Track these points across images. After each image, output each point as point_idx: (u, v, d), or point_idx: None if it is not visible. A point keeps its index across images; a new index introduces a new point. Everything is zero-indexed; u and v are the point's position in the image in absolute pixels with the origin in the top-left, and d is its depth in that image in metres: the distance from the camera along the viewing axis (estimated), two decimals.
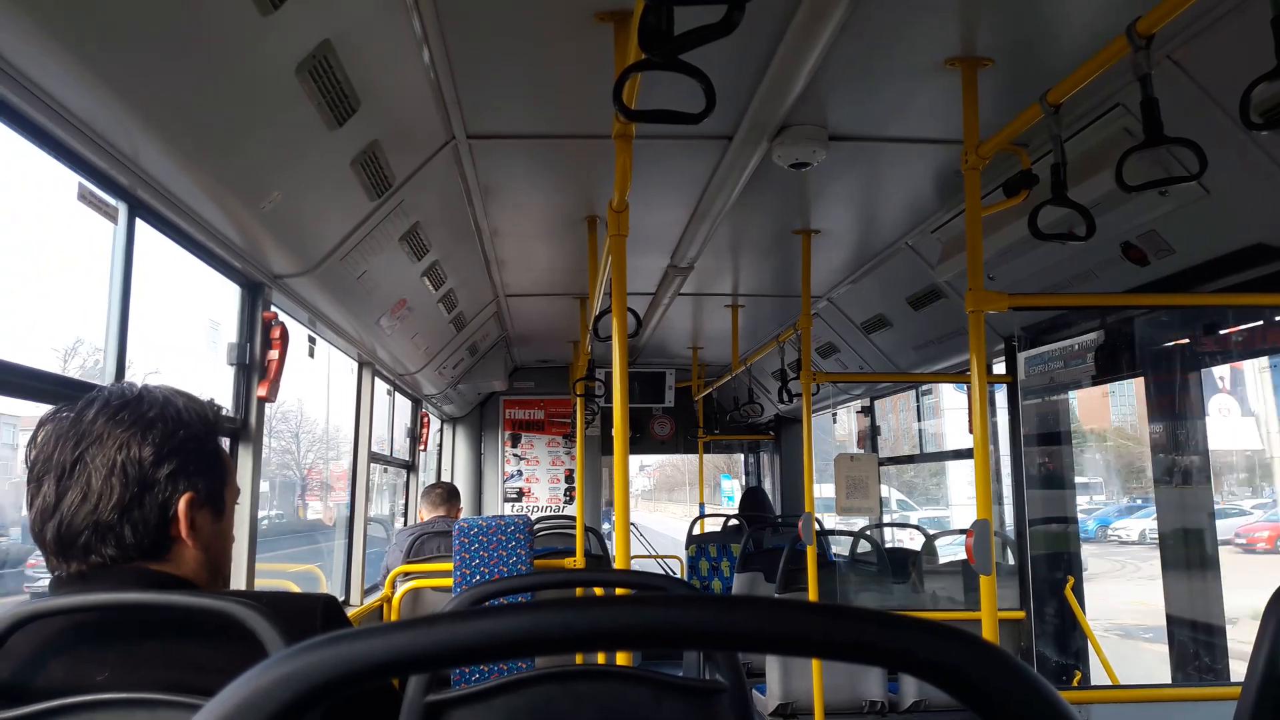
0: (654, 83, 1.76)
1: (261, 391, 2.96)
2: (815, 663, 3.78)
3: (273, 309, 3.05)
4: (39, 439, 1.24)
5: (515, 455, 8.12)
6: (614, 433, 2.60)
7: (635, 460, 9.87)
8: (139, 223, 2.25)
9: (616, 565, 2.46)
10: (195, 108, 1.98)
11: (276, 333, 3.00)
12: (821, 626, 0.47)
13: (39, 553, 1.25)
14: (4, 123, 1.75)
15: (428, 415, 6.63)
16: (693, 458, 8.43)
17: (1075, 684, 3.81)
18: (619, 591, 2.29)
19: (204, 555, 1.30)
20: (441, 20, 2.26)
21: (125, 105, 1.83)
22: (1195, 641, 3.25)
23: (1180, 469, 3.36)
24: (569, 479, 8.10)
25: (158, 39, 1.72)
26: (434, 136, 2.93)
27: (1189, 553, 3.35)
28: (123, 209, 2.19)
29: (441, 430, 7.93)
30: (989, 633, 2.51)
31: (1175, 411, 3.40)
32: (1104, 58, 2.01)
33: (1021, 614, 3.90)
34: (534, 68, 2.58)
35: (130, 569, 1.23)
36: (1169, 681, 3.23)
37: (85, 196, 2.05)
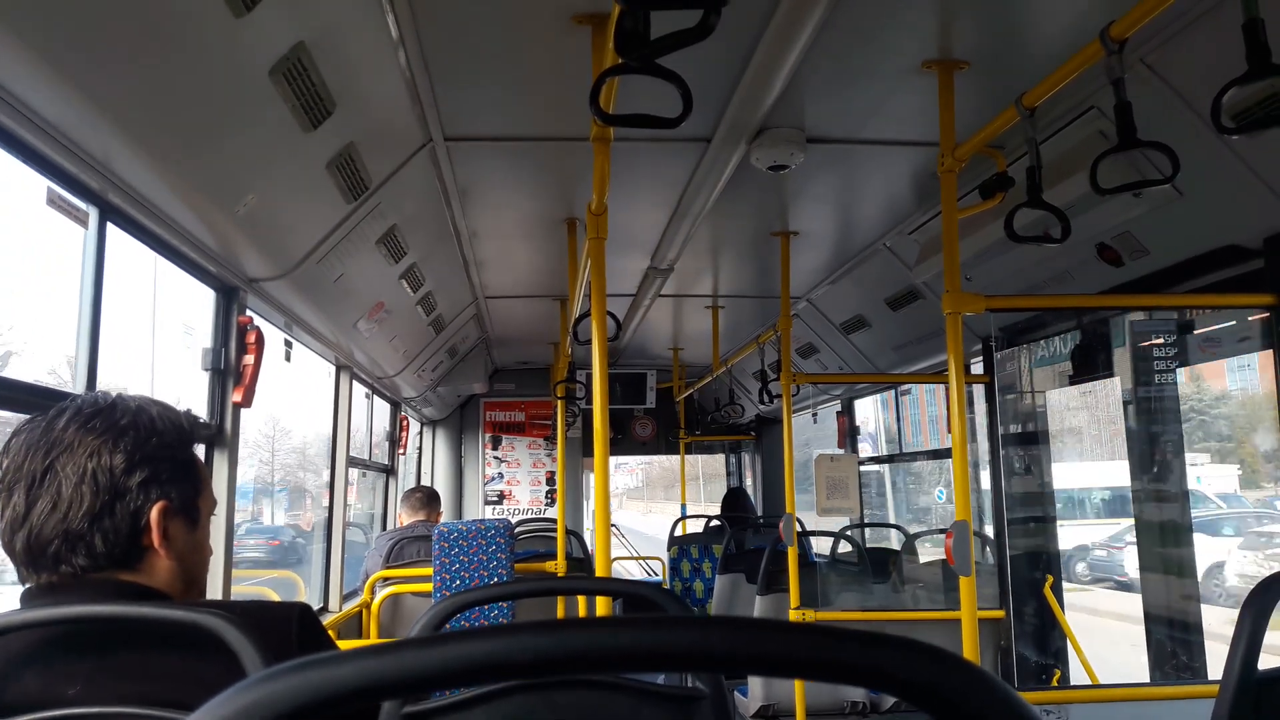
0: (632, 86, 1.75)
1: (237, 397, 2.93)
2: None
3: (248, 313, 3.02)
4: (10, 449, 1.22)
5: (496, 458, 8.09)
6: (594, 437, 2.59)
7: (625, 455, 9.84)
8: (110, 227, 2.22)
9: (597, 570, 2.45)
10: (168, 110, 1.95)
11: (252, 337, 2.98)
12: (797, 646, 0.46)
13: None
14: None
15: (407, 418, 6.59)
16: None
17: (1055, 683, 3.83)
18: (599, 602, 2.30)
19: (178, 565, 1.28)
20: (418, 22, 2.24)
21: (96, 108, 1.80)
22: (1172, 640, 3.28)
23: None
24: (550, 481, 8.07)
25: (129, 41, 1.70)
26: (411, 138, 2.91)
27: None
28: (93, 213, 2.16)
29: (421, 433, 7.89)
30: (968, 632, 2.53)
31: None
32: (1078, 61, 2.03)
33: (1001, 613, 3.92)
34: (512, 70, 2.56)
35: (101, 579, 1.21)
36: (1147, 680, 3.26)
37: (55, 201, 2.02)
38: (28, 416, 1.25)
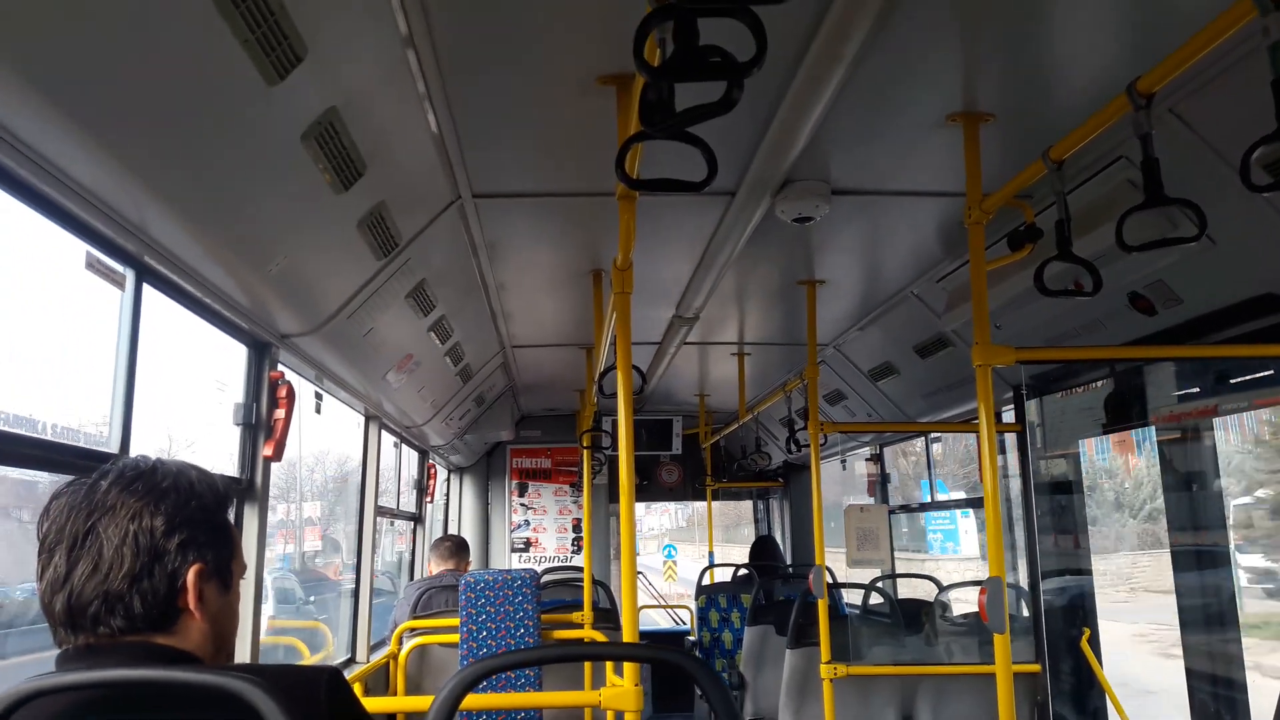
0: (657, 145, 1.77)
1: (268, 451, 2.95)
2: (827, 702, 3.71)
3: (279, 368, 3.05)
4: (52, 511, 1.24)
5: (523, 505, 8.07)
6: (620, 489, 2.58)
7: (651, 502, 9.77)
8: (146, 288, 2.26)
9: (624, 627, 2.42)
10: (202, 175, 1.99)
11: (283, 391, 3.00)
12: None
13: None
14: (12, 195, 1.77)
15: (434, 466, 6.60)
16: None
17: None
18: (626, 665, 2.27)
19: (210, 628, 1.29)
20: (446, 84, 2.28)
21: (133, 175, 1.85)
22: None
23: None
24: (577, 528, 8.03)
25: (165, 109, 1.74)
26: (440, 196, 2.95)
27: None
28: (130, 275, 2.20)
29: (449, 480, 7.90)
30: (1003, 689, 2.47)
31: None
32: (1105, 115, 2.02)
33: (1037, 667, 3.83)
34: (538, 129, 2.60)
35: (137, 641, 1.22)
36: None
37: (93, 265, 2.06)
38: (68, 478, 1.27)
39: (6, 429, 1.94)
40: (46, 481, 2.14)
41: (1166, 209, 2.06)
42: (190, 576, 1.25)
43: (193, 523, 1.27)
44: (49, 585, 1.21)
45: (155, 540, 1.23)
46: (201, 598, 1.26)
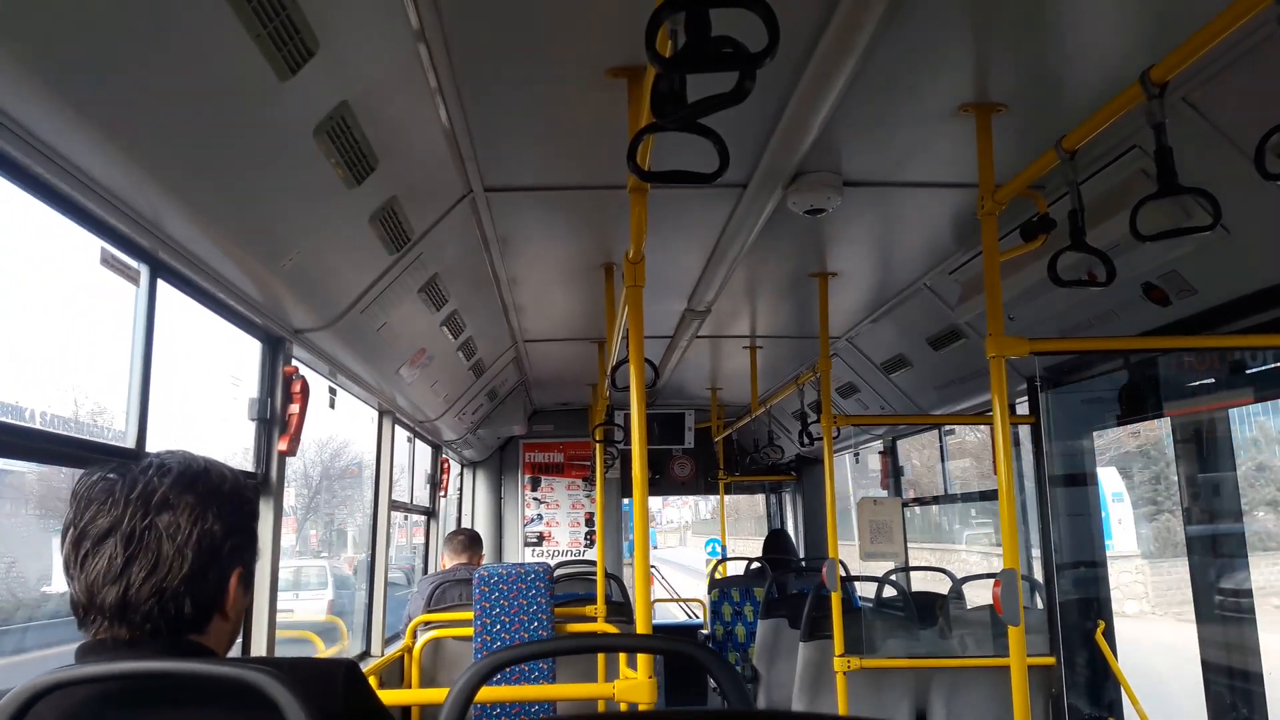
0: (669, 138, 1.77)
1: (282, 445, 2.97)
2: (841, 695, 3.72)
3: (293, 363, 3.07)
4: (94, 501, 1.23)
5: (535, 499, 8.09)
6: (634, 483, 2.58)
7: (664, 495, 9.77)
8: (160, 283, 2.27)
9: (637, 620, 2.43)
10: (216, 171, 2.01)
11: (297, 386, 3.02)
12: None
13: None
14: (28, 191, 1.78)
15: (448, 461, 6.63)
16: None
17: None
18: (640, 656, 2.28)
19: (231, 627, 1.33)
20: (457, 77, 2.29)
21: (147, 171, 1.86)
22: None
23: None
24: (589, 522, 8.05)
25: (178, 106, 1.75)
26: (451, 190, 2.96)
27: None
28: (144, 271, 2.22)
29: (461, 475, 7.92)
30: (1018, 681, 2.46)
31: None
32: (1119, 104, 2.01)
33: (1051, 660, 3.82)
34: (549, 122, 2.60)
35: (173, 639, 1.24)
36: None
37: (108, 260, 2.07)
38: (94, 470, 1.26)
39: (26, 424, 1.96)
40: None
41: (1180, 198, 2.05)
42: (234, 581, 1.28)
43: (241, 529, 1.30)
44: (99, 575, 1.20)
45: (215, 543, 1.25)
46: (234, 598, 1.29)
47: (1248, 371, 3.18)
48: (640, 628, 2.44)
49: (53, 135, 1.65)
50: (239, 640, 1.47)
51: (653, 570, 6.72)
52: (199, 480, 1.27)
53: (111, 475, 1.25)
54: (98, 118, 1.65)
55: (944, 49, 2.25)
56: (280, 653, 3.09)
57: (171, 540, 1.22)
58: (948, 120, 2.57)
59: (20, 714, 1.08)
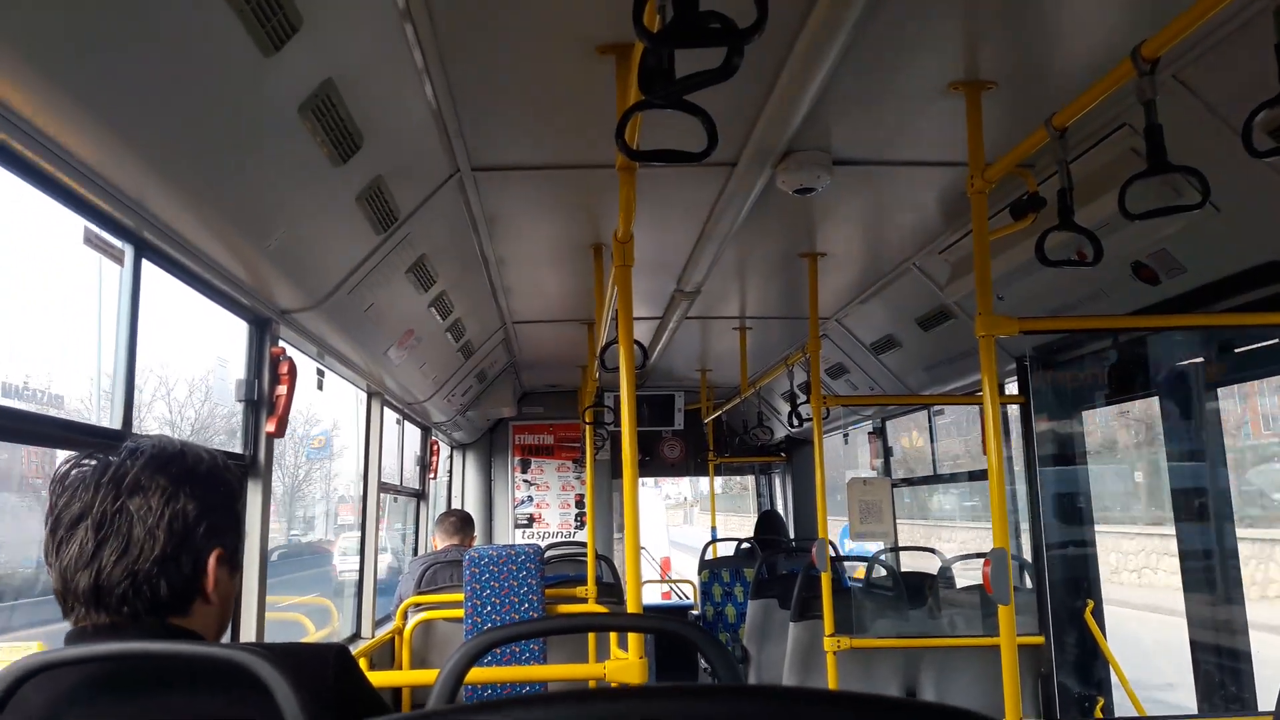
0: (657, 114, 1.76)
1: (270, 427, 2.95)
2: (831, 674, 3.74)
3: (280, 343, 3.05)
4: (70, 485, 1.22)
5: (525, 481, 8.10)
6: (623, 464, 2.58)
7: (654, 477, 9.74)
8: (145, 263, 2.25)
9: (628, 600, 2.44)
10: (199, 149, 1.98)
11: (284, 368, 3.00)
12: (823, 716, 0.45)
13: None
14: (9, 170, 1.76)
15: (437, 443, 6.62)
16: None
17: (1099, 714, 3.75)
18: (631, 636, 2.28)
19: (218, 610, 1.31)
20: (443, 55, 2.26)
21: (130, 149, 1.83)
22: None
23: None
24: (580, 504, 8.06)
25: (161, 83, 1.73)
26: (439, 170, 2.94)
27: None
28: (129, 251, 2.19)
29: (451, 457, 7.92)
30: (1008, 660, 2.48)
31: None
32: (1109, 81, 2.00)
33: (1040, 639, 3.85)
34: (536, 100, 2.58)
35: (155, 623, 1.22)
36: (1195, 711, 3.17)
37: (91, 240, 2.05)
38: (73, 454, 1.25)
39: (9, 404, 1.94)
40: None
41: (1169, 176, 2.05)
42: (211, 562, 1.26)
43: (218, 509, 1.28)
44: (72, 561, 1.19)
45: (188, 525, 1.23)
46: (216, 581, 1.27)
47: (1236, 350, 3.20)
48: (631, 608, 2.44)
49: (34, 113, 1.62)
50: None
51: (643, 550, 6.74)
52: (172, 462, 1.25)
53: (88, 461, 1.24)
54: (80, 95, 1.62)
55: (934, 26, 2.23)
56: (270, 635, 3.09)
57: (143, 522, 1.20)
58: (937, 98, 2.56)
59: (6, 697, 1.08)
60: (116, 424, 2.19)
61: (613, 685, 2.87)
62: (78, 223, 2.02)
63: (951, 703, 3.89)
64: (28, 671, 1.09)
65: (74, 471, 1.23)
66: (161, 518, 1.21)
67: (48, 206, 1.89)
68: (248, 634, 2.83)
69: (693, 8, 1.19)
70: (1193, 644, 3.27)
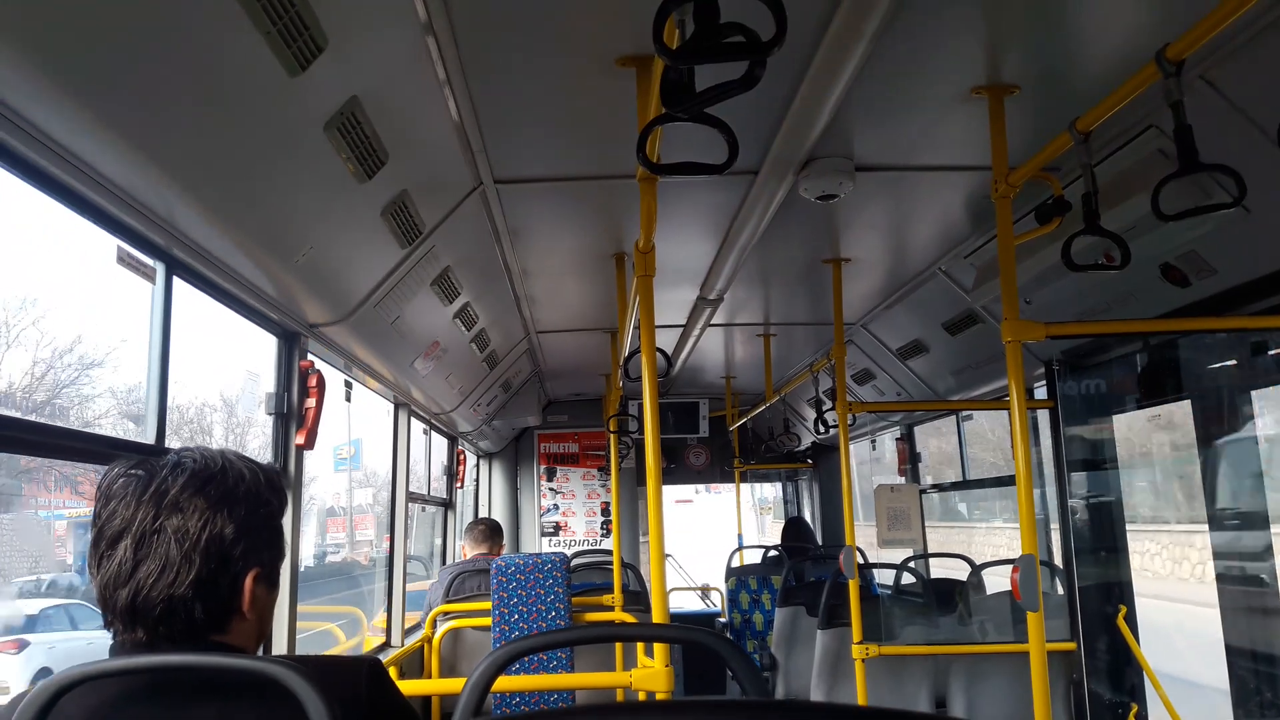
0: (678, 127, 1.77)
1: (300, 439, 2.98)
2: (860, 682, 3.71)
3: (309, 357, 3.08)
4: (113, 495, 1.22)
5: (551, 489, 8.12)
6: (647, 474, 2.58)
7: (679, 485, 9.70)
8: (176, 281, 2.29)
9: (653, 608, 2.44)
10: (228, 168, 2.01)
11: (313, 381, 3.04)
12: None
13: None
14: (44, 191, 1.80)
15: (464, 452, 6.65)
16: None
17: None
18: (657, 646, 2.28)
19: (256, 625, 1.31)
20: (465, 70, 2.28)
21: (161, 169, 1.87)
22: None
23: None
24: (606, 512, 8.06)
25: (190, 103, 1.76)
26: (462, 183, 2.96)
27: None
28: (160, 269, 2.23)
29: (478, 466, 7.96)
30: (1037, 668, 2.45)
31: None
32: (1134, 84, 1.98)
33: (1072, 645, 3.80)
34: (558, 113, 2.60)
35: (195, 640, 1.23)
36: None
37: (124, 259, 2.09)
38: (120, 464, 1.26)
39: (45, 421, 1.97)
40: None
41: (1198, 177, 2.03)
42: (249, 582, 1.26)
43: (258, 529, 1.28)
44: (112, 578, 1.20)
45: (225, 547, 1.23)
46: (253, 600, 1.27)
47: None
48: (656, 617, 2.44)
49: (66, 135, 1.66)
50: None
51: (669, 558, 6.72)
52: (212, 482, 1.25)
53: (134, 471, 1.24)
54: (110, 117, 1.65)
55: (955, 31, 2.22)
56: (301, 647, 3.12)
57: (179, 544, 1.20)
58: (960, 103, 2.55)
59: (46, 709, 1.10)
60: (150, 439, 2.22)
61: (640, 696, 2.87)
62: (111, 242, 2.06)
63: (982, 711, 3.85)
64: (67, 684, 1.11)
65: (119, 481, 1.23)
66: (198, 542, 1.21)
67: (81, 227, 1.93)
68: (279, 646, 2.86)
69: (713, 22, 1.20)
70: (1229, 649, 3.22)
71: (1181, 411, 3.52)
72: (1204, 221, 2.61)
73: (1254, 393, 3.23)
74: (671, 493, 8.04)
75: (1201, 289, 2.94)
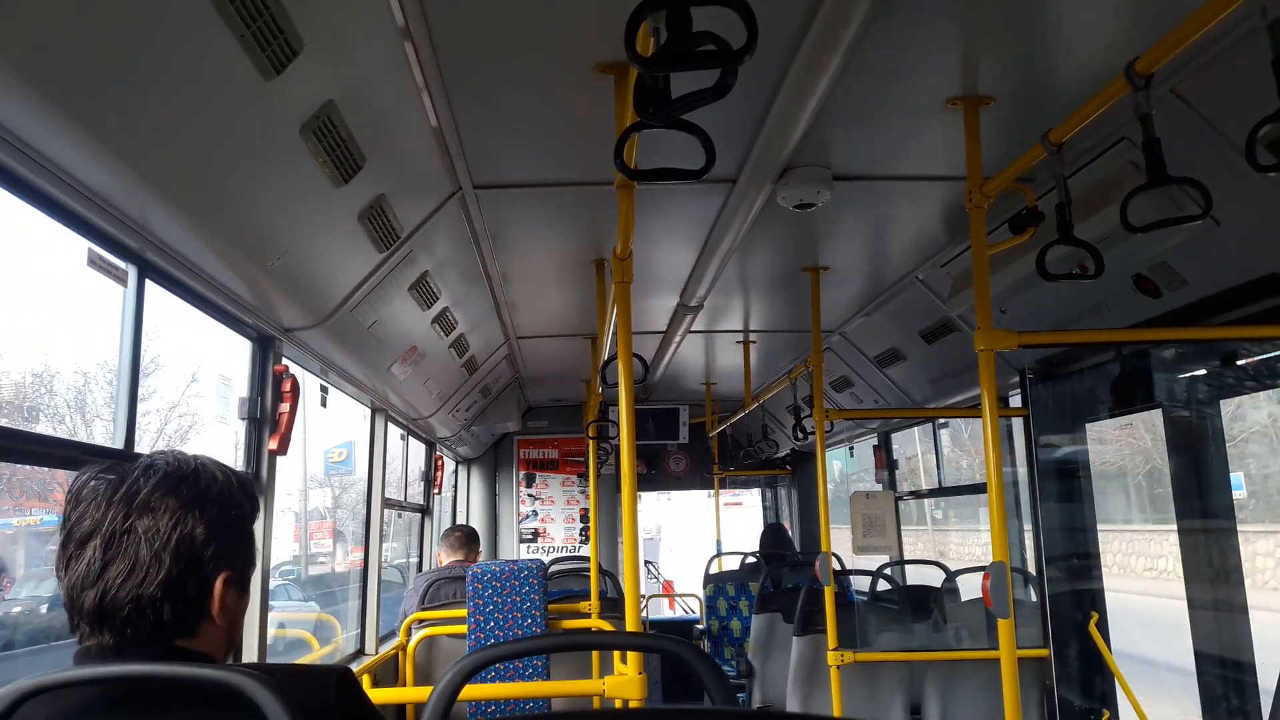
0: (657, 134, 1.77)
1: (273, 445, 2.96)
2: (835, 689, 3.72)
3: (284, 361, 3.06)
4: (82, 498, 1.21)
5: (530, 495, 8.10)
6: (622, 479, 2.58)
7: (658, 491, 9.65)
8: (149, 284, 2.27)
9: (627, 617, 2.43)
10: (202, 171, 2.00)
11: (287, 385, 3.02)
12: None
13: None
14: (13, 193, 1.78)
15: (441, 458, 6.62)
16: None
17: None
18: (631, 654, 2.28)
19: (225, 630, 1.30)
20: (443, 74, 2.28)
21: (133, 171, 1.85)
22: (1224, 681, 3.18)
23: None
24: (584, 518, 8.05)
25: (163, 106, 1.75)
26: (440, 188, 2.95)
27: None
28: (132, 271, 2.21)
29: (456, 472, 7.93)
30: (1008, 673, 2.47)
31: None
32: (1105, 96, 2.01)
33: (1045, 652, 3.83)
34: (537, 118, 2.60)
35: (161, 646, 1.22)
36: None
37: (95, 261, 2.07)
38: (91, 468, 1.24)
39: (18, 427, 1.95)
40: None
41: (1169, 189, 2.05)
42: (219, 585, 1.25)
43: (229, 531, 1.27)
44: (79, 579, 1.18)
45: (195, 549, 1.22)
46: (223, 603, 1.26)
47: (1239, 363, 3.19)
48: (630, 625, 2.44)
49: (37, 137, 1.64)
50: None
51: (647, 565, 6.72)
52: (184, 482, 1.24)
53: (104, 474, 1.23)
54: (83, 119, 1.64)
55: (931, 42, 2.24)
56: (273, 654, 3.09)
57: (149, 544, 1.19)
58: (936, 113, 2.57)
59: (4, 717, 1.08)
60: (119, 443, 2.20)
61: (617, 703, 2.86)
62: (81, 245, 2.04)
63: (956, 716, 3.87)
64: (26, 693, 1.09)
65: (90, 484, 1.22)
66: (169, 541, 1.20)
67: (52, 229, 1.91)
68: (250, 654, 2.83)
69: (685, 30, 1.20)
70: (1197, 657, 3.26)
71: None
72: (1175, 233, 2.65)
73: (1221, 402, 3.27)
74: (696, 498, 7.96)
75: (1172, 300, 2.98)
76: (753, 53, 1.13)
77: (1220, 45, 2.13)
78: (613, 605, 4.83)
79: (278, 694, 1.08)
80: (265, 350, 2.99)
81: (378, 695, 3.51)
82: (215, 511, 1.25)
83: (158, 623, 1.20)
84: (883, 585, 4.74)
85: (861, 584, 5.69)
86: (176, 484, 1.23)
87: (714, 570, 7.28)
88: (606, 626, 4.52)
